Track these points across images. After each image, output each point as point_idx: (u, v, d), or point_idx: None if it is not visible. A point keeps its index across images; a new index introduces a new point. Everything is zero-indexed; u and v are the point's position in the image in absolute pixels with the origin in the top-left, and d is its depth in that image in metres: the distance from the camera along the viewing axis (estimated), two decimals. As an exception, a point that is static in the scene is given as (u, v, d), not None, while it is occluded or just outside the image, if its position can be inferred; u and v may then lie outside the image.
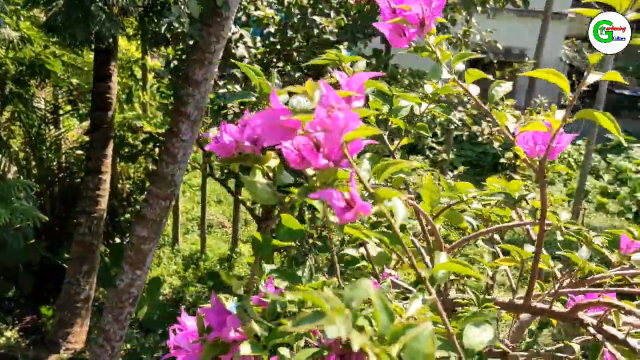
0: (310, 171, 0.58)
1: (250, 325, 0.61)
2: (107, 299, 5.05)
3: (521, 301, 0.76)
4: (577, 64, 13.44)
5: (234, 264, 7.71)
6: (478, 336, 0.50)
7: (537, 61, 7.56)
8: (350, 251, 0.99)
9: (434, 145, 5.72)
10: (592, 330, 0.72)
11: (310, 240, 4.94)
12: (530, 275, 0.72)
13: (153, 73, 6.95)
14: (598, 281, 0.82)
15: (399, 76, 5.05)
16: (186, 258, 7.63)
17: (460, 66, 0.72)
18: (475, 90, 0.71)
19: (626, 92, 13.23)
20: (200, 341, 0.63)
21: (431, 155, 5.62)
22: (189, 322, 0.67)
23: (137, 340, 6.24)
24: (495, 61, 5.77)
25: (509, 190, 0.90)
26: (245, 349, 0.57)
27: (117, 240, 6.99)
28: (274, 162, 0.66)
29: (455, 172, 6.63)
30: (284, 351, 0.60)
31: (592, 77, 0.62)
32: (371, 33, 4.84)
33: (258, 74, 0.67)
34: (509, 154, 10.44)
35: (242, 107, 5.32)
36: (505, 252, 0.91)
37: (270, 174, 0.65)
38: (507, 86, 0.70)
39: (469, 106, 5.83)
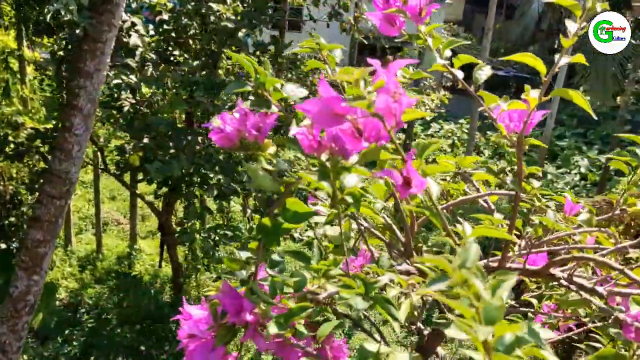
0: (324, 156, 0.61)
1: (267, 308, 0.63)
2: (-1, 310, 4.68)
3: (496, 264, 0.84)
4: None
5: (134, 261, 7.44)
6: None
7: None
8: (309, 233, 1.03)
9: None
10: (564, 282, 0.82)
11: (220, 232, 4.90)
12: (505, 240, 0.81)
13: (32, 65, 6.46)
14: (553, 241, 0.93)
15: (298, 62, 5.11)
16: (81, 259, 7.25)
17: (447, 52, 0.78)
18: (461, 74, 0.78)
19: (499, 73, 14.30)
20: (218, 326, 0.64)
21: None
22: (193, 311, 0.67)
23: (33, 350, 5.86)
24: (387, 46, 6.00)
25: (463, 166, 1.00)
26: (272, 328, 0.60)
27: (3, 245, 6.50)
28: (272, 149, 0.68)
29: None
30: (301, 327, 0.63)
31: (563, 60, 0.71)
32: (268, 19, 4.84)
33: (252, 63, 0.68)
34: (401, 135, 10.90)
35: (137, 98, 5.11)
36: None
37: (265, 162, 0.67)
38: (487, 70, 0.76)
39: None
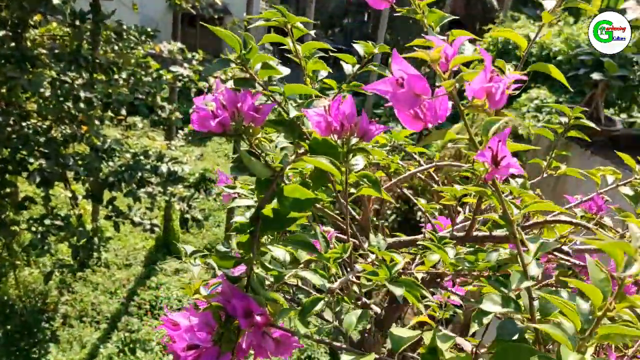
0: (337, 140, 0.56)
1: (279, 305, 0.58)
2: None
3: (462, 233, 0.87)
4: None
5: None
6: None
7: (251, 16, 7.78)
8: (239, 218, 0.97)
9: (164, 104, 5.56)
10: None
11: (47, 222, 4.42)
12: (475, 210, 0.84)
13: None
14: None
15: (124, 33, 4.72)
16: None
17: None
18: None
19: (318, 45, 14.69)
20: (222, 332, 0.57)
21: (164, 115, 5.46)
22: (179, 319, 0.59)
23: None
24: (216, 17, 5.83)
25: (397, 139, 1.00)
26: (302, 329, 0.55)
27: None
28: (261, 134, 0.61)
29: (186, 130, 6.60)
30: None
31: (543, 31, 0.74)
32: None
33: (237, 39, 0.60)
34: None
35: None
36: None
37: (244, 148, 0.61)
38: (470, 48, 0.76)
39: (194, 62, 5.81)
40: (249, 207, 1.04)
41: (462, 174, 1.01)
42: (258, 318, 0.57)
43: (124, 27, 4.77)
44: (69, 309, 6.30)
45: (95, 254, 6.80)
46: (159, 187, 5.09)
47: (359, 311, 0.59)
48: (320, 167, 0.56)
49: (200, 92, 6.26)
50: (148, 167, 4.83)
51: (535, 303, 0.56)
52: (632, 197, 0.85)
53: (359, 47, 0.79)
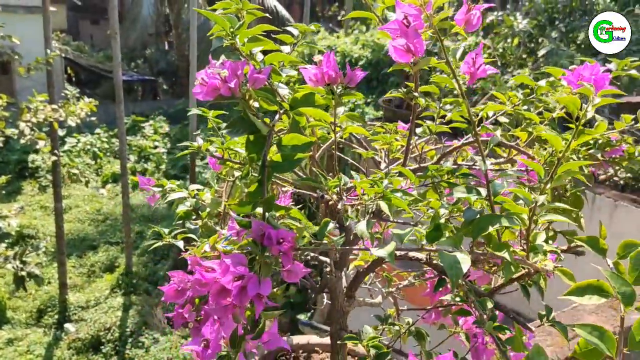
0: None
1: (301, 230, 0.68)
2: None
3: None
4: (70, 56, 13.71)
5: None
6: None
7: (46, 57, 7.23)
8: (181, 207, 1.04)
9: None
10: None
11: None
12: (405, 147, 1.00)
13: None
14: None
15: None
16: None
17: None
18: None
19: (124, 78, 14.22)
20: (260, 260, 0.66)
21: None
22: (210, 265, 0.66)
23: None
24: (15, 59, 5.39)
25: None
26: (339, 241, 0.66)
27: None
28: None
29: (-1, 183, 5.95)
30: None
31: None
32: None
33: (219, 18, 0.69)
34: (37, 157, 9.99)
35: None
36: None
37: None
38: None
39: (-2, 109, 5.34)
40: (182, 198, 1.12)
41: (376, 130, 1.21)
42: (288, 244, 0.67)
43: None
44: None
45: None
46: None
47: (365, 221, 0.73)
48: (314, 114, 0.69)
49: (8, 139, 5.74)
50: (-31, 227, 4.33)
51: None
52: (509, 122, 1.10)
53: (293, 29, 0.93)
